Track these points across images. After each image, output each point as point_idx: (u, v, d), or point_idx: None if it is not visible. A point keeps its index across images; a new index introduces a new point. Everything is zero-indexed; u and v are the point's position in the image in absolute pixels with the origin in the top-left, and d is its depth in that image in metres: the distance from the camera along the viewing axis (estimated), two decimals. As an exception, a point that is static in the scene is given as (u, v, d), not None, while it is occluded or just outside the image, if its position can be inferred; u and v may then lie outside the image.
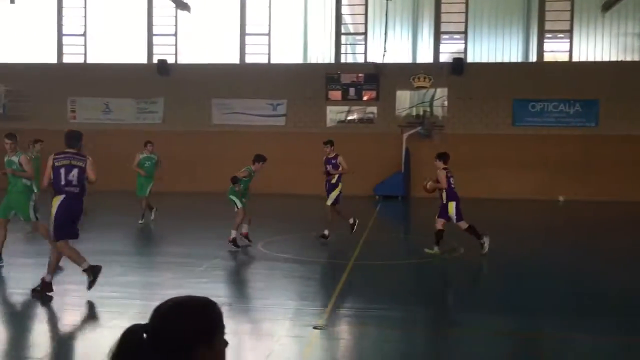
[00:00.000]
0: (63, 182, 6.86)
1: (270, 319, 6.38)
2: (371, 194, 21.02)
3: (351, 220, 11.68)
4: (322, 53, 23.39)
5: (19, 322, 6.34)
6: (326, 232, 11.30)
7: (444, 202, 10.10)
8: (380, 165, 21.50)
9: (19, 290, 7.33)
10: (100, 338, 5.63)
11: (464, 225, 10.04)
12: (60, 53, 24.20)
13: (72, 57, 24.25)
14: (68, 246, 7.01)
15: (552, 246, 11.92)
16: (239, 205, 10.70)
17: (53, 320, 6.57)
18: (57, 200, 6.88)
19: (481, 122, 21.91)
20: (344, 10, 23.55)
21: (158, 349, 1.63)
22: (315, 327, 5.86)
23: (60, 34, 24.12)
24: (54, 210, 6.90)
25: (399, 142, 21.46)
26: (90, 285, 6.85)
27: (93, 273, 6.88)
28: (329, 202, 11.49)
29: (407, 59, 22.94)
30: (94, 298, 6.89)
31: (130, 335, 1.63)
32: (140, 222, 13.31)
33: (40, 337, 5.97)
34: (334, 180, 11.60)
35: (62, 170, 6.88)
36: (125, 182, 22.36)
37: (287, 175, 21.46)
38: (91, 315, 6.60)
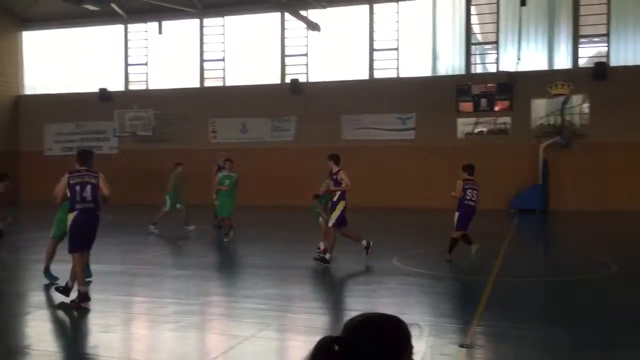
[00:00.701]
0: (78, 199, 7.34)
1: (414, 333, 6.32)
2: (506, 207, 20.24)
3: (364, 243, 10.61)
4: (451, 64, 23.03)
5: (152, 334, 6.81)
6: (327, 256, 10.16)
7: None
8: (516, 178, 20.65)
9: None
10: (256, 349, 5.90)
11: (455, 234, 10.51)
12: (202, 77, 25.89)
13: (212, 81, 25.85)
14: (81, 260, 7.45)
15: None
16: (323, 218, 10.93)
17: (215, 329, 6.97)
18: (72, 216, 7.37)
19: (628, 129, 20.33)
20: (474, 19, 23.04)
21: None
22: (461, 346, 5.74)
23: (202, 60, 25.83)
24: (68, 224, 7.44)
25: (536, 153, 20.51)
26: (75, 304, 7.21)
27: (83, 297, 7.26)
28: (330, 224, 10.35)
29: (542, 65, 21.93)
30: (242, 309, 7.25)
31: (324, 347, 1.71)
32: (225, 240, 13.12)
33: (196, 347, 6.37)
34: (335, 198, 10.41)
35: (77, 188, 7.34)
36: (265, 197, 23.43)
37: (418, 189, 21.28)
38: (238, 326, 6.90)
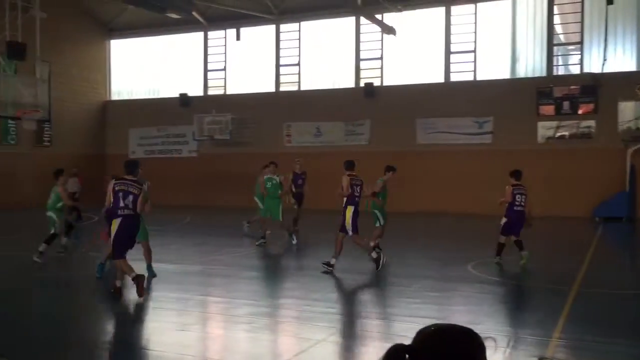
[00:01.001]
0: (121, 205, 7.80)
1: (488, 346, 6.12)
2: (590, 215, 19.33)
3: (374, 255, 9.91)
4: (531, 66, 22.27)
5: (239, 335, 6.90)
6: (333, 261, 9.88)
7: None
8: (601, 185, 19.68)
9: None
10: (326, 353, 5.89)
11: (501, 239, 10.62)
12: (277, 82, 26.30)
13: (287, 85, 26.20)
14: (125, 262, 7.97)
15: None
16: (381, 223, 11.38)
17: (286, 330, 7.03)
18: (116, 224, 7.86)
19: None
20: (556, 19, 22.18)
21: None
22: (541, 359, 5.49)
23: (277, 65, 26.24)
24: (113, 232, 7.87)
25: (623, 158, 19.48)
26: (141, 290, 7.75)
27: (139, 281, 7.75)
28: (350, 233, 10.01)
29: (630, 66, 20.82)
30: (314, 312, 7.27)
31: (395, 354, 1.67)
32: (261, 241, 12.98)
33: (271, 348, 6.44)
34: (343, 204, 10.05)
35: (120, 195, 7.85)
36: (338, 201, 23.47)
37: (495, 195, 20.67)
38: (309, 329, 6.91)
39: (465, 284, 9.43)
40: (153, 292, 8.50)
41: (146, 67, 28.76)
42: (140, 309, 7.75)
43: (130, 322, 7.42)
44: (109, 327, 7.34)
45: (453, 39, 23.21)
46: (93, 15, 28.16)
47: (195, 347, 6.34)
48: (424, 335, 1.69)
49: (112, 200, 7.91)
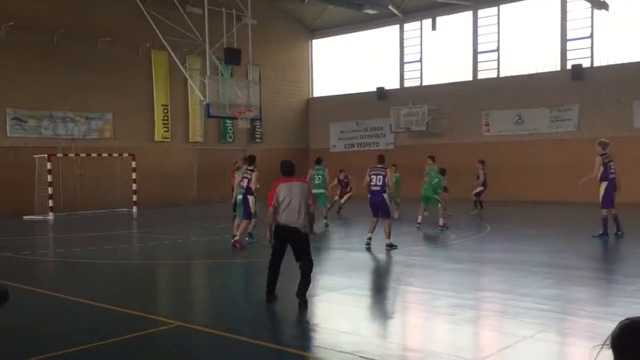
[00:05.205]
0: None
1: None
2: None
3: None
4: None
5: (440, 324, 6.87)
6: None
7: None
8: None
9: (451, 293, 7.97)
10: (533, 351, 5.68)
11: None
12: (475, 70, 25.56)
13: (486, 73, 25.34)
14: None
15: None
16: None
17: (483, 324, 6.90)
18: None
19: None
20: None
21: None
22: None
23: (475, 52, 25.50)
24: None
25: None
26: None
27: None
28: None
29: None
30: (520, 308, 7.01)
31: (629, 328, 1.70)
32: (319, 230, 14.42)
33: (472, 340, 6.36)
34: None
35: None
36: (542, 192, 22.18)
37: None
38: (515, 325, 6.67)
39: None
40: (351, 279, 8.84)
41: (345, 64, 29.86)
42: (342, 295, 8.11)
43: (324, 307, 7.81)
44: (319, 312, 7.79)
45: (679, 8, 20.51)
46: (297, 18, 29.97)
47: (398, 334, 6.50)
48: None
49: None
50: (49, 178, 20.14)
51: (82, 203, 21.51)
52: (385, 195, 11.62)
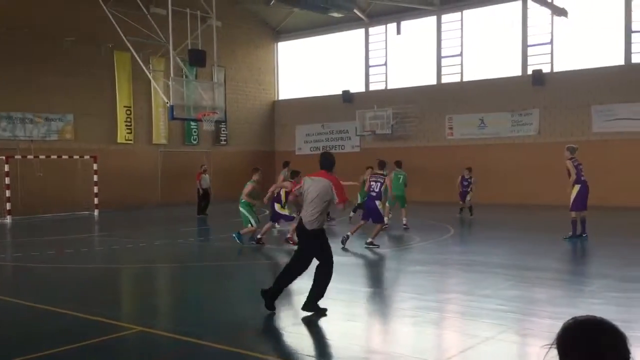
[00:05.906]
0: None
1: None
2: None
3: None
4: None
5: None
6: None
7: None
8: None
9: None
10: (495, 351, 5.76)
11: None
12: (439, 74, 25.90)
13: (449, 77, 25.69)
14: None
15: None
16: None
17: (445, 325, 6.98)
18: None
19: None
20: None
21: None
22: None
23: (439, 57, 25.83)
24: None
25: None
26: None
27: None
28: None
29: None
30: (482, 309, 7.10)
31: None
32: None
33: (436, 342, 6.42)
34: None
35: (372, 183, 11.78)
36: (503, 194, 22.58)
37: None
38: (477, 326, 6.76)
39: (651, 286, 8.60)
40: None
41: (311, 66, 29.91)
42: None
43: (288, 310, 7.78)
44: (280, 313, 7.76)
45: (635, 16, 21.16)
46: (262, 20, 29.89)
47: (362, 337, 6.52)
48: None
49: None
50: (7, 180, 19.62)
51: (42, 206, 21.01)
52: (378, 202, 12.06)
